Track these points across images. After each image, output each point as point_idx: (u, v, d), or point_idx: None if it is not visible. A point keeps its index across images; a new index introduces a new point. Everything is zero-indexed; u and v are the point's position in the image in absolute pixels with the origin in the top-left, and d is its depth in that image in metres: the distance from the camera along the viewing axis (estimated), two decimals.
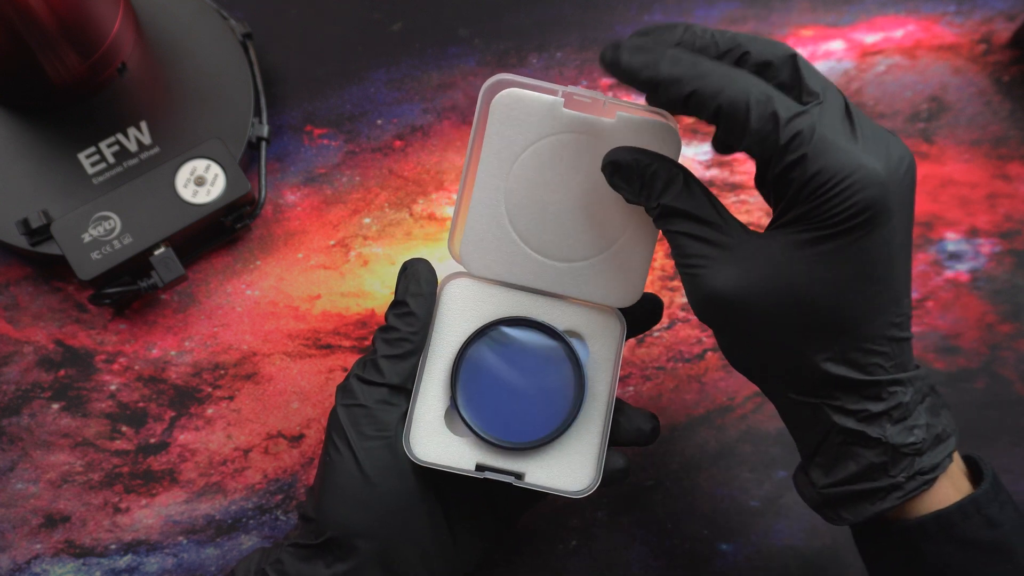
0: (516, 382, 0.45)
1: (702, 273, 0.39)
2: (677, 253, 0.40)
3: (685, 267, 0.40)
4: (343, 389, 0.44)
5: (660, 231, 0.42)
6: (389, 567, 0.43)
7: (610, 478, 0.45)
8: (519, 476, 0.44)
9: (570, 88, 0.42)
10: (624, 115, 0.43)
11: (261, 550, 0.46)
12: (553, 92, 0.43)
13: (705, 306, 0.40)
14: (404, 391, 0.44)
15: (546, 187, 0.43)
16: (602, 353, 0.45)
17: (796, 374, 0.40)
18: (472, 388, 0.45)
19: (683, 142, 0.61)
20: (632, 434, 0.46)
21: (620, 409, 0.46)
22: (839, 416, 0.40)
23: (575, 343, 0.45)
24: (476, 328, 0.45)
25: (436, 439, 0.44)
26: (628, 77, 0.38)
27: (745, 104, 0.37)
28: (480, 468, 0.44)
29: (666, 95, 0.38)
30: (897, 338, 0.40)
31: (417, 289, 0.44)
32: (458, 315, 0.45)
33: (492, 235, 0.44)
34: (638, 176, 0.41)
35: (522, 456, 0.44)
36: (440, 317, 0.45)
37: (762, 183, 0.41)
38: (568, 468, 0.45)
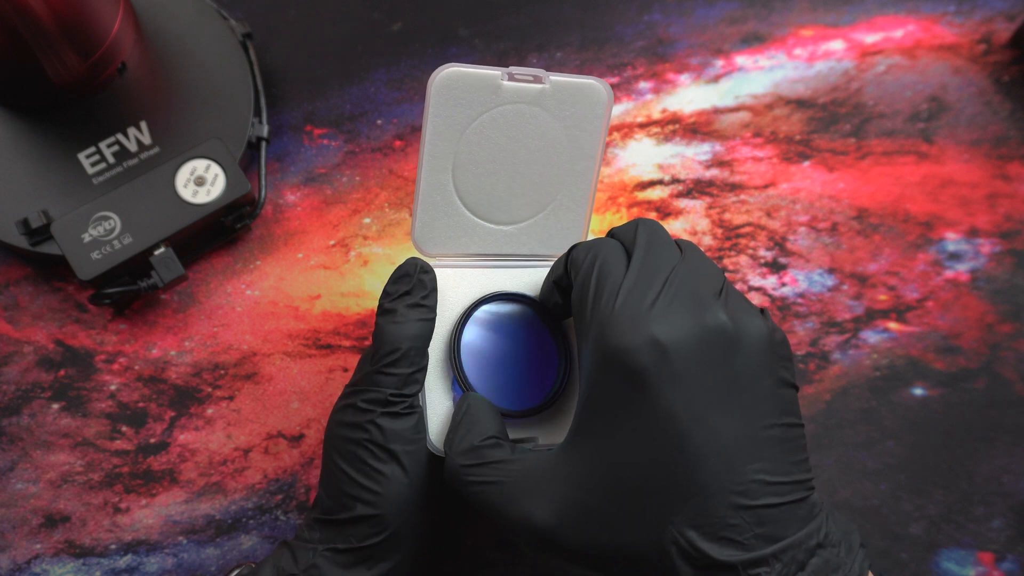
0: (511, 353, 0.46)
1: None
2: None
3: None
4: (377, 402, 0.43)
5: (595, 183, 0.47)
6: (419, 564, 0.44)
7: None
8: (534, 440, 0.45)
9: (512, 68, 0.45)
10: (557, 79, 0.45)
11: (273, 557, 0.45)
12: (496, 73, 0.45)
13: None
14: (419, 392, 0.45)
15: (490, 159, 0.46)
16: None
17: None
18: (475, 371, 0.45)
19: (683, 142, 0.61)
20: None
21: None
22: None
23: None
24: (459, 315, 0.46)
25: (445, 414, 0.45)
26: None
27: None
28: None
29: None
30: (747, 506, 0.35)
31: (431, 301, 0.45)
32: (439, 302, 0.46)
33: (443, 213, 0.46)
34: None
35: (534, 420, 0.45)
36: None
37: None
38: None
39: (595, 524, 0.36)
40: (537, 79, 0.45)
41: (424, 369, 0.44)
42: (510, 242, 0.47)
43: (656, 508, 0.36)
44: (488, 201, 0.46)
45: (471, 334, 0.46)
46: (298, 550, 0.44)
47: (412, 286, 0.44)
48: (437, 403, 0.45)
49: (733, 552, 0.35)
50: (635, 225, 0.41)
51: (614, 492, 0.36)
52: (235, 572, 0.48)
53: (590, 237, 0.47)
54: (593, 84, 0.46)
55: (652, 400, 0.35)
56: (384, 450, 0.43)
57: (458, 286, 0.47)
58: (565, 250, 0.46)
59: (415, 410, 0.44)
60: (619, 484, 0.36)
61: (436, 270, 0.46)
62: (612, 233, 0.42)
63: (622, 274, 0.38)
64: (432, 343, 0.45)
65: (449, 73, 0.43)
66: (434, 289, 0.44)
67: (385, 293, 0.45)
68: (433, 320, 0.44)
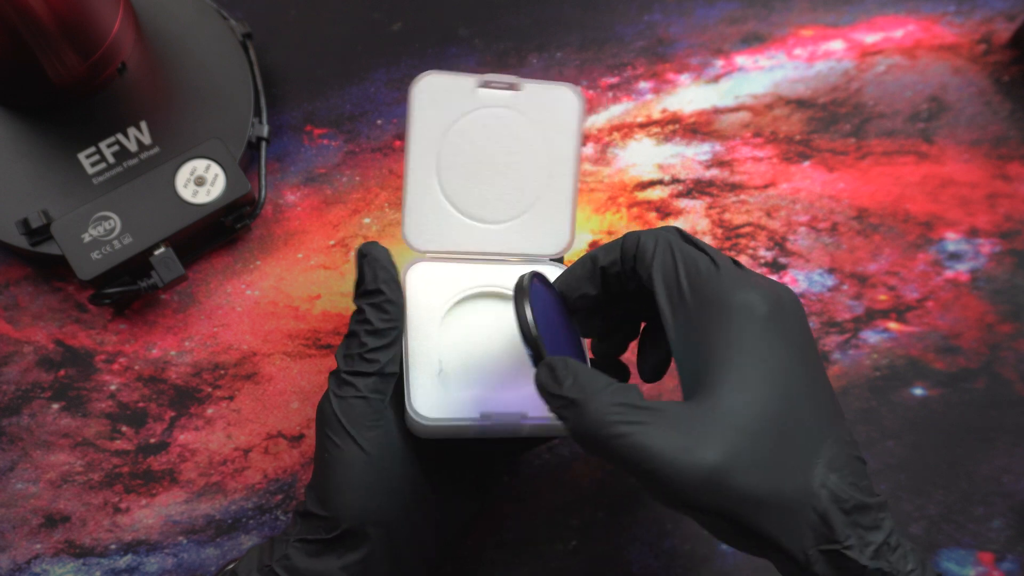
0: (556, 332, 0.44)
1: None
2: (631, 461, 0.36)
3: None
4: (338, 383, 0.44)
5: (576, 185, 0.49)
6: (392, 549, 0.44)
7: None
8: (524, 415, 0.45)
9: (488, 76, 0.48)
10: (531, 84, 0.48)
11: (258, 548, 0.45)
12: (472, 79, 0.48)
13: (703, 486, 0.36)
14: (390, 376, 0.44)
15: (472, 160, 0.49)
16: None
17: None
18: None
19: (683, 142, 0.61)
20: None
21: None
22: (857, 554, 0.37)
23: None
24: (520, 286, 0.43)
25: (437, 400, 0.45)
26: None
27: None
28: (485, 417, 0.45)
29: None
30: (854, 455, 0.38)
31: (386, 275, 0.45)
32: (427, 294, 0.48)
33: (431, 211, 0.49)
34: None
35: (520, 398, 0.46)
36: (411, 299, 0.48)
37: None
38: None
39: (759, 467, 0.36)
40: (511, 86, 0.48)
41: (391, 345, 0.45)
42: (496, 240, 0.49)
43: (805, 452, 0.37)
44: (473, 200, 0.49)
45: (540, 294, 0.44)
46: (277, 542, 0.44)
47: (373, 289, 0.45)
48: (421, 376, 0.46)
49: (868, 496, 0.38)
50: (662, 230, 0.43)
51: (770, 436, 0.36)
52: (228, 568, 0.48)
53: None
54: (565, 90, 0.49)
55: (785, 345, 0.38)
56: (342, 433, 0.43)
57: (445, 280, 0.49)
58: (550, 250, 0.50)
59: (373, 395, 0.44)
60: (772, 428, 0.36)
61: (425, 264, 0.48)
62: (639, 235, 0.43)
63: (698, 251, 0.41)
64: (421, 328, 0.47)
65: (428, 79, 0.47)
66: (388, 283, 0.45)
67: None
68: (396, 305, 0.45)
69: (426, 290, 0.48)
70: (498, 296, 0.49)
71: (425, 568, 0.46)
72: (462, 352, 0.48)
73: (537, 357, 0.40)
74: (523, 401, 0.45)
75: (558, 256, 0.51)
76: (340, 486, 0.43)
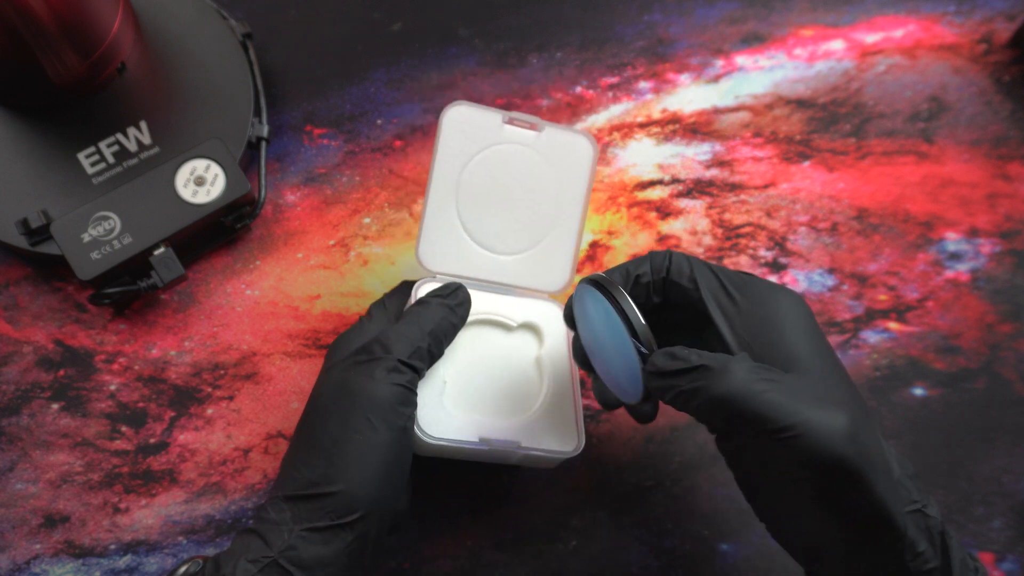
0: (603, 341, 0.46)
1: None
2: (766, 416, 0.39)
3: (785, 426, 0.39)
4: (391, 369, 0.45)
5: (582, 228, 0.53)
6: (378, 535, 0.44)
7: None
8: (517, 443, 0.49)
9: (513, 113, 0.51)
10: (549, 127, 0.51)
11: (242, 540, 0.44)
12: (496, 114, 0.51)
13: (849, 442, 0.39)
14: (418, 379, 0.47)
15: (490, 191, 0.51)
16: (557, 338, 0.52)
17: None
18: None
19: (683, 142, 0.61)
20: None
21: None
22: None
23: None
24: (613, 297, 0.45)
25: (440, 419, 0.48)
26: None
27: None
28: (483, 442, 0.48)
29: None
30: None
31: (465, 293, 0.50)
32: None
33: (446, 234, 0.51)
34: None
35: (516, 427, 0.49)
36: None
37: None
38: (556, 435, 0.50)
39: (868, 432, 0.39)
40: (533, 126, 0.51)
41: (434, 358, 0.47)
42: (502, 270, 0.52)
43: (873, 423, 0.41)
44: (486, 229, 0.52)
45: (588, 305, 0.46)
46: (268, 534, 0.43)
47: (450, 292, 0.49)
48: (430, 393, 0.48)
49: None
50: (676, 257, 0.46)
51: (861, 408, 0.41)
52: (183, 568, 0.45)
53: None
54: (581, 138, 0.52)
55: (824, 337, 0.44)
56: (384, 418, 0.44)
57: None
58: (549, 287, 0.53)
59: (414, 390, 0.46)
60: (859, 402, 0.42)
61: (434, 284, 0.50)
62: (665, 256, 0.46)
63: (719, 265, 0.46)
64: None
65: (459, 109, 0.50)
66: (464, 303, 0.49)
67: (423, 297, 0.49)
68: (457, 326, 0.48)
69: None
70: (501, 325, 0.52)
71: (381, 555, 0.47)
72: (465, 376, 0.50)
73: (649, 346, 0.42)
74: (519, 430, 0.49)
75: (556, 293, 0.53)
76: (364, 467, 0.43)
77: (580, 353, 0.48)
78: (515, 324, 0.52)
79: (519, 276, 0.52)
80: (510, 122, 0.51)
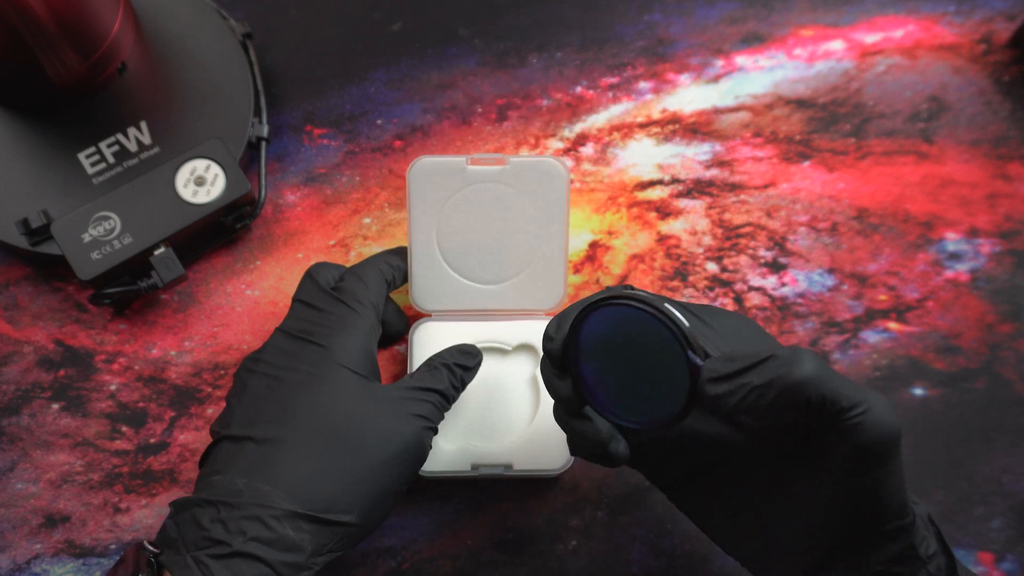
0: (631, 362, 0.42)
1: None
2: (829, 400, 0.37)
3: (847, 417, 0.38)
4: (427, 410, 0.47)
5: (567, 245, 0.53)
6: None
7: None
8: (508, 467, 0.51)
9: (474, 155, 0.53)
10: (515, 159, 0.53)
11: (192, 516, 0.42)
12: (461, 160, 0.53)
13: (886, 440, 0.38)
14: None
15: (468, 230, 0.53)
16: None
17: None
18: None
19: (683, 142, 0.61)
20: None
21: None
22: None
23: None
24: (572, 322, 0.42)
25: (434, 453, 0.51)
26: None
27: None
28: (475, 467, 0.51)
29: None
30: None
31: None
32: (432, 349, 0.52)
33: (435, 276, 0.53)
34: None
35: (506, 449, 0.51)
36: (417, 354, 0.53)
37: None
38: (548, 451, 0.51)
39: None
40: (498, 161, 0.53)
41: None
42: (495, 298, 0.54)
43: None
44: (472, 264, 0.53)
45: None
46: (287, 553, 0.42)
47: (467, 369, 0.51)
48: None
49: None
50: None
51: None
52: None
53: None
54: (550, 162, 0.53)
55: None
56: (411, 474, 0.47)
57: (449, 336, 0.53)
58: (545, 305, 0.54)
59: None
60: None
61: (431, 322, 0.53)
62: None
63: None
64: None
65: (422, 162, 0.52)
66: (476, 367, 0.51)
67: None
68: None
69: (432, 346, 0.52)
70: (497, 351, 0.54)
71: None
72: (460, 407, 0.52)
73: (703, 353, 0.38)
74: (509, 452, 0.51)
75: (551, 309, 0.54)
76: (381, 509, 0.46)
77: (576, 391, 0.42)
78: (511, 347, 0.54)
79: (513, 300, 0.54)
80: (474, 163, 0.53)
